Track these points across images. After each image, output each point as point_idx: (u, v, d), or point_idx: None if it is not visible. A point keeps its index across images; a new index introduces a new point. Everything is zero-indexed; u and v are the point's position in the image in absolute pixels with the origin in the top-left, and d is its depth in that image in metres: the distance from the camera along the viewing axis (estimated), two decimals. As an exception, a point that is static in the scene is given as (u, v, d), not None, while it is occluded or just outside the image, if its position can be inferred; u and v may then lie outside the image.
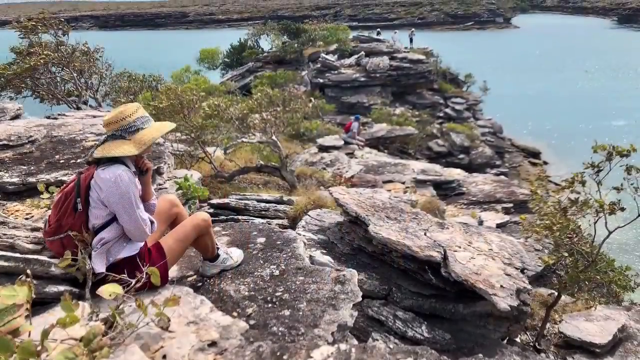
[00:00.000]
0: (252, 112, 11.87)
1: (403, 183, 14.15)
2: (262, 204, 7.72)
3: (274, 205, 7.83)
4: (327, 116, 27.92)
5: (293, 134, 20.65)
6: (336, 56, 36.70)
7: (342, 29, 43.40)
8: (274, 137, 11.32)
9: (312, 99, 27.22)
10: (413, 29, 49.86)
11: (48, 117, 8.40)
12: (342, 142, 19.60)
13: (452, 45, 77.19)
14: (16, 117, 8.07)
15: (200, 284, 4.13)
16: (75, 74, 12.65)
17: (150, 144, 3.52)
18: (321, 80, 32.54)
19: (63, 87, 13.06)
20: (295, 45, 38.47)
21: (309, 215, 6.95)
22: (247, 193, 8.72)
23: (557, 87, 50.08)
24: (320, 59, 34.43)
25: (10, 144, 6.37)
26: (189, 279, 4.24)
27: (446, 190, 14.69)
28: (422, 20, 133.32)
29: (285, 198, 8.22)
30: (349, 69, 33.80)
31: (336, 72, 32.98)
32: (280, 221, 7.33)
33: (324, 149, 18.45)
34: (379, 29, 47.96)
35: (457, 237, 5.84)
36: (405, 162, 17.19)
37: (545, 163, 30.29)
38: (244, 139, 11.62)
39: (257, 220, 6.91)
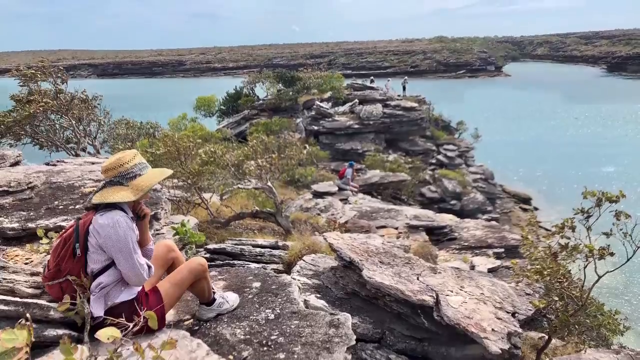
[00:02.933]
0: (248, 158, 12.06)
1: (396, 228, 14.24)
2: (258, 249, 7.79)
3: (269, 250, 7.89)
4: (321, 163, 28.22)
5: (288, 180, 20.82)
6: (330, 104, 37.32)
7: (336, 77, 44.23)
8: (269, 184, 11.45)
9: (307, 145, 27.58)
10: (406, 77, 51.00)
11: (47, 164, 8.46)
12: (336, 188, 19.76)
13: (444, 92, 78.54)
14: (16, 163, 8.12)
15: (196, 327, 4.17)
16: (73, 122, 12.78)
17: (147, 190, 3.60)
18: (315, 128, 33.00)
19: (62, 134, 13.17)
20: (290, 93, 39.17)
21: (303, 260, 7.01)
22: (243, 238, 8.79)
23: (548, 134, 50.90)
24: (314, 106, 34.99)
25: (10, 190, 6.43)
26: (186, 322, 4.28)
27: (438, 236, 14.77)
28: (414, 68, 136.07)
29: (280, 243, 8.27)
30: (343, 117, 34.34)
31: (330, 119, 33.49)
32: (275, 266, 7.38)
33: (318, 195, 18.58)
34: (372, 77, 48.91)
35: (450, 282, 5.92)
36: (398, 208, 17.31)
37: (536, 209, 30.57)
38: (239, 185, 11.74)
39: (253, 265, 6.97)
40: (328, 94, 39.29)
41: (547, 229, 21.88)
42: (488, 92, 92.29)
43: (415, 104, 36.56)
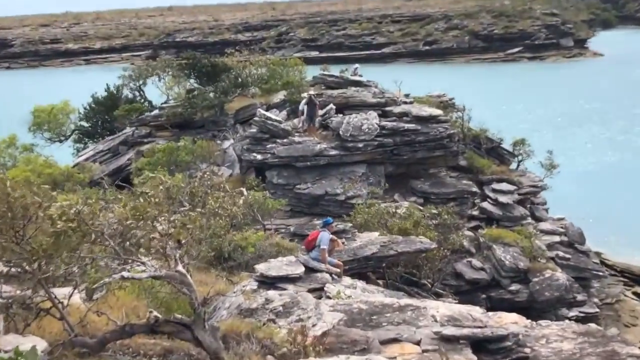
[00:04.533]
0: (140, 219, 11.82)
1: (418, 343, 14.13)
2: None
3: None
4: (271, 220, 28.07)
5: (212, 256, 20.62)
6: (284, 112, 37.33)
7: (293, 63, 44.39)
8: (180, 267, 11.27)
9: (244, 189, 27.44)
10: None
11: None
12: (302, 269, 19.62)
13: (486, 89, 79.91)
14: None
15: None
16: None
17: None
18: (259, 157, 32.97)
19: None
20: (212, 94, 39.03)
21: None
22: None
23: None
24: (256, 117, 34.90)
25: None
26: None
27: (495, 354, 14.69)
28: (432, 46, 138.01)
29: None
30: (309, 135, 34.33)
31: (286, 140, 33.43)
32: None
33: (269, 282, 18.42)
34: (357, 65, 49.13)
35: None
36: (419, 304, 17.24)
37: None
38: (124, 273, 11.52)
39: None
40: (280, 96, 39.36)
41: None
42: (563, 87, 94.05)
43: (438, 111, 36.69)
